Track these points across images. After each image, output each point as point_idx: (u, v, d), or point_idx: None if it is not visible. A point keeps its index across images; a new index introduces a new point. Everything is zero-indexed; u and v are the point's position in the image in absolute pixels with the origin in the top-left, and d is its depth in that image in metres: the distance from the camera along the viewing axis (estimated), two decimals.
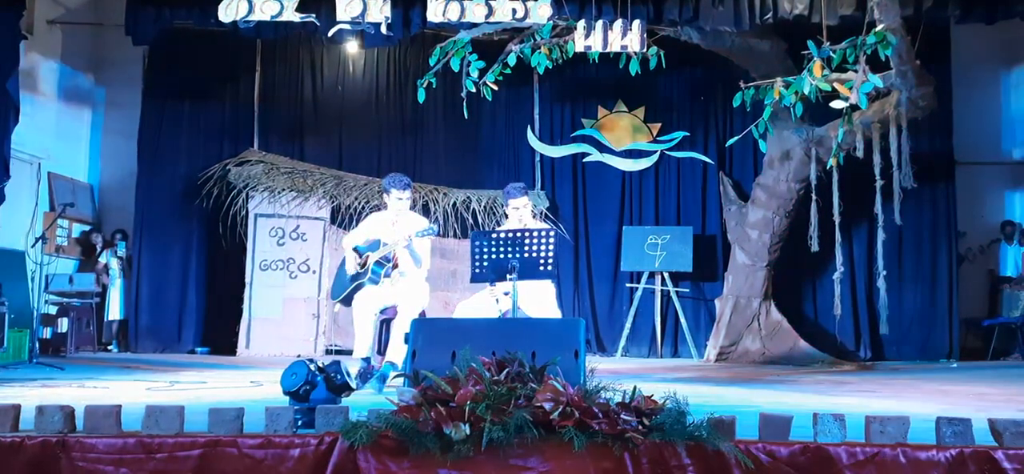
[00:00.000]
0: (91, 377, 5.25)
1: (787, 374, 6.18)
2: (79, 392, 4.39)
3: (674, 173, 8.24)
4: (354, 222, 7.52)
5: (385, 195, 5.15)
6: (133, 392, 4.38)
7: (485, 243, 4.35)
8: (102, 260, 8.31)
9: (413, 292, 4.99)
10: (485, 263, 4.35)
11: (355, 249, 5.10)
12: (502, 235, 4.40)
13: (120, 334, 8.21)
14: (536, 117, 8.39)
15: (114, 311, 8.21)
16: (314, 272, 7.89)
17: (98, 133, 8.82)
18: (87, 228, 8.57)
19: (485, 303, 4.91)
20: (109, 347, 8.15)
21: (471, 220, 7.91)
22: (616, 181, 8.29)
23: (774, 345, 7.29)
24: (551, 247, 4.35)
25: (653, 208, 8.24)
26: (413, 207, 5.53)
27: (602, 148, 8.29)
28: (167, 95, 8.28)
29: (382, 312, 4.98)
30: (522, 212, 4.98)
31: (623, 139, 8.29)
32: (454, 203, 7.99)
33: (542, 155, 8.37)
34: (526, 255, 4.33)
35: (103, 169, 8.82)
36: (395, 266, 4.99)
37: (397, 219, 5.12)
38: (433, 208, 7.91)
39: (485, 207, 7.98)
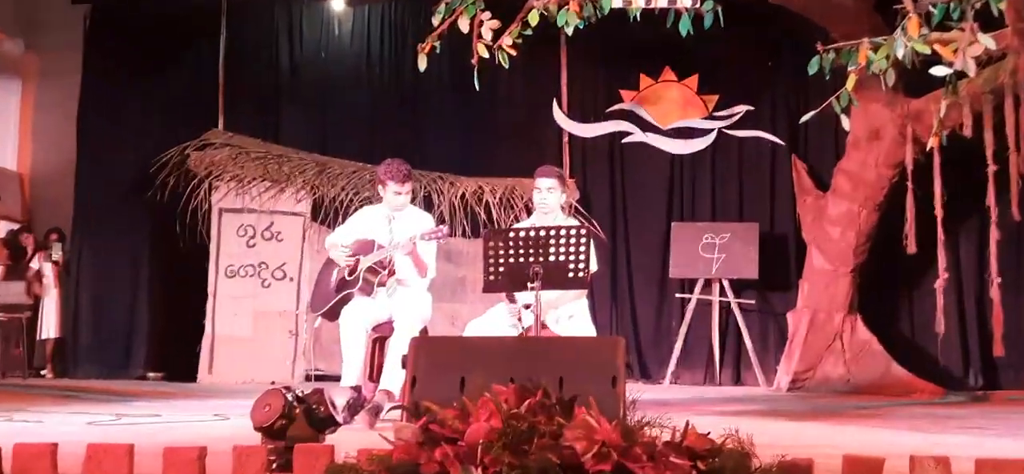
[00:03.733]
0: (21, 409, 5.31)
1: (877, 406, 6.13)
2: (6, 428, 4.43)
3: (735, 156, 8.19)
4: (340, 218, 7.54)
5: (380, 186, 5.16)
6: (72, 427, 4.42)
7: (501, 244, 4.35)
8: (34, 266, 8.40)
9: (413, 305, 4.99)
10: (501, 269, 4.36)
11: (343, 249, 5.11)
12: (522, 234, 4.41)
13: (56, 356, 8.29)
14: (564, 89, 8.38)
15: (49, 328, 8.30)
16: (292, 280, 7.93)
17: (28, 111, 8.92)
18: (15, 227, 8.66)
19: (501, 318, 4.91)
20: (42, 372, 8.24)
21: (484, 215, 7.91)
22: (663, 167, 8.25)
23: (861, 370, 7.24)
24: (582, 249, 4.35)
25: (709, 199, 8.21)
26: (413, 200, 5.55)
27: (645, 126, 8.27)
28: (114, 65, 8.35)
29: (375, 329, 5.00)
30: (545, 195, 4.99)
31: (671, 114, 8.26)
32: (463, 194, 7.99)
33: (571, 135, 8.36)
34: (552, 258, 4.33)
35: (35, 155, 8.92)
36: (391, 273, 5.01)
37: (395, 215, 5.13)
38: (437, 200, 7.92)
39: (501, 199, 7.98)
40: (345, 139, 8.44)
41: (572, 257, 4.35)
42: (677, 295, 8.06)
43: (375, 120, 8.50)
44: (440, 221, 6.89)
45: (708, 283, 7.85)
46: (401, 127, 8.45)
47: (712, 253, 7.76)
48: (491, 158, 8.35)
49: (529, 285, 4.31)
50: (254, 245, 7.98)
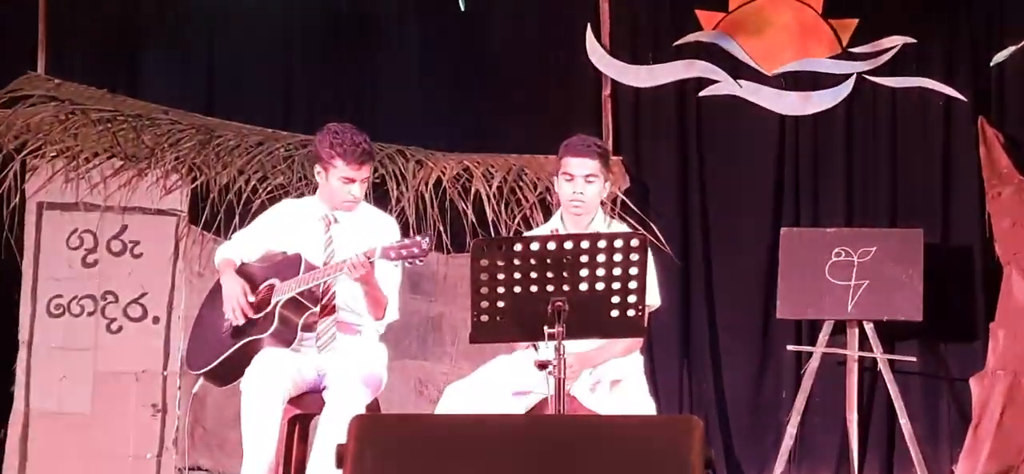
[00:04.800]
0: None
1: None
2: None
3: (885, 120, 8.18)
4: (238, 220, 7.53)
5: (319, 169, 5.17)
6: None
7: (501, 263, 4.38)
8: None
9: (357, 362, 5.01)
10: (500, 304, 4.38)
11: (243, 269, 5.11)
12: (536, 247, 4.43)
13: None
14: (604, 9, 8.36)
15: None
16: (157, 320, 7.91)
17: None
18: None
19: (498, 382, 4.97)
20: None
21: (473, 216, 7.89)
22: (767, 136, 8.25)
23: None
24: (635, 272, 4.37)
25: (843, 190, 8.20)
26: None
27: (738, 69, 8.24)
28: None
29: (295, 401, 5.00)
30: (579, 186, 5.07)
31: (781, 51, 8.25)
32: (438, 181, 7.98)
33: (616, 84, 8.34)
34: (586, 287, 4.36)
35: None
36: (327, 311, 5.01)
37: (337, 216, 5.13)
38: (394, 190, 7.89)
39: (500, 190, 7.97)
40: (245, 92, 8.43)
41: (617, 285, 4.37)
42: (789, 347, 8.03)
43: (294, 63, 8.47)
44: (402, 227, 6.88)
45: (841, 328, 7.80)
46: (337, 75, 8.44)
47: (847, 278, 7.70)
48: (485, 124, 8.36)
49: (547, 331, 4.33)
50: (95, 263, 7.96)
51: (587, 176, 5.09)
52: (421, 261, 4.97)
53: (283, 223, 5.29)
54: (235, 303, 5.14)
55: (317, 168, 5.24)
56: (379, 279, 5.02)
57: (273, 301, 4.99)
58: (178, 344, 7.73)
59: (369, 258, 4.85)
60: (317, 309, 5.00)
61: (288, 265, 5.08)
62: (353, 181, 5.12)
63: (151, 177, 7.97)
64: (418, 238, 4.94)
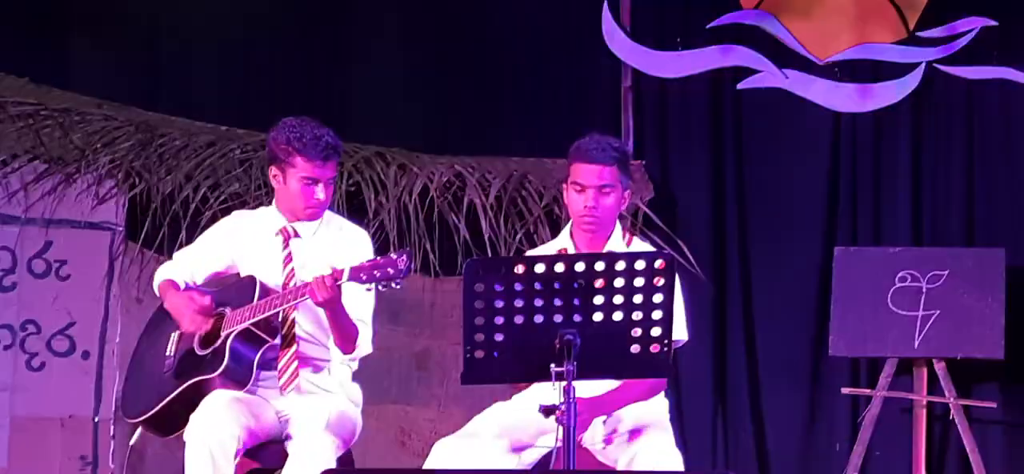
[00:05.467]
0: None
1: None
2: None
3: (960, 117, 8.20)
4: (184, 235, 7.54)
5: (274, 171, 5.17)
6: None
7: (500, 289, 4.38)
8: None
9: (325, 406, 5.00)
10: (498, 338, 4.39)
11: (188, 289, 5.11)
12: (540, 269, 4.43)
13: None
14: None
15: None
16: (87, 355, 7.92)
17: None
18: None
19: (496, 434, 4.97)
20: None
21: (466, 231, 7.91)
22: (818, 137, 8.28)
23: None
24: (660, 299, 4.38)
25: (908, 202, 8.23)
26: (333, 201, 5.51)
27: (784, 56, 8.26)
28: None
29: (252, 454, 5.00)
30: (594, 198, 5.07)
31: (835, 34, 8.26)
32: (424, 190, 7.99)
33: (639, 75, 8.37)
34: (600, 317, 4.37)
35: None
36: (289, 342, 5.01)
37: (298, 229, 5.13)
38: (371, 198, 7.91)
39: (499, 199, 7.98)
40: (193, 83, 8.48)
41: (638, 315, 4.38)
42: (844, 391, 8.02)
43: (252, 50, 8.51)
44: (381, 244, 6.87)
45: (906, 367, 7.81)
46: (304, 63, 8.49)
47: (915, 309, 7.69)
48: (481, 121, 8.41)
49: (555, 371, 4.32)
50: (13, 286, 7.99)
51: (603, 187, 5.08)
52: (398, 283, 4.85)
53: (234, 239, 5.27)
54: (189, 311, 5.12)
55: (272, 170, 5.19)
56: (348, 305, 4.97)
57: (223, 333, 4.95)
58: (112, 385, 7.73)
59: (336, 279, 4.82)
60: (277, 342, 4.97)
61: (240, 290, 5.06)
62: (317, 181, 5.07)
63: (81, 184, 7.99)
64: (394, 256, 4.83)
